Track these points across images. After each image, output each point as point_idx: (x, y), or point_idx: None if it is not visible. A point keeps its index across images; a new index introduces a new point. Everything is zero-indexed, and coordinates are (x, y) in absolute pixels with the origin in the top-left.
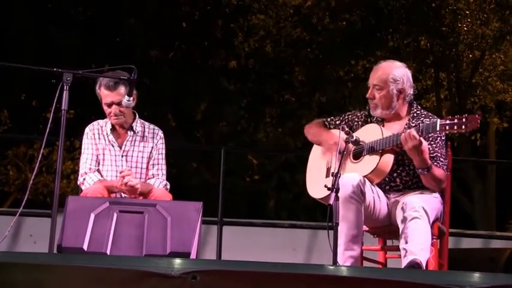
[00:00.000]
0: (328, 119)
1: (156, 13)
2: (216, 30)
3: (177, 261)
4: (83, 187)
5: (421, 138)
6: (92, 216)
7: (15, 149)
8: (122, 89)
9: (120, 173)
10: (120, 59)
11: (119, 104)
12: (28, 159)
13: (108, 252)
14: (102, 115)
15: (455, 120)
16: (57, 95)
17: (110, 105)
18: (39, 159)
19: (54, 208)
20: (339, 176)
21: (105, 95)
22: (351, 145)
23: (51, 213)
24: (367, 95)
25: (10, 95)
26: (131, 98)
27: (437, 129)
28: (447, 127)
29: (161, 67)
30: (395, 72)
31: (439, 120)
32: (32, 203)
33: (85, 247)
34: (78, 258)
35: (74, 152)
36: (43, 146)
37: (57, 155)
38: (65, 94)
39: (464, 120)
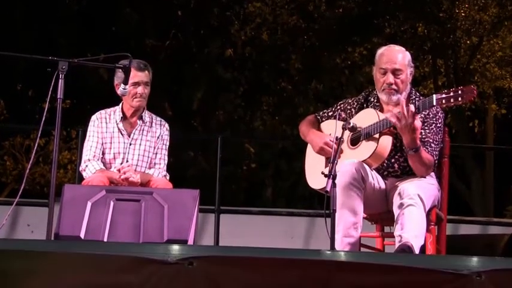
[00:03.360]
0: (321, 113)
1: (151, 2)
2: (211, 18)
3: (174, 248)
4: (84, 174)
5: (416, 119)
6: (89, 204)
7: (11, 139)
8: (150, 73)
9: (119, 170)
10: (115, 48)
11: (146, 84)
12: (25, 150)
13: (105, 240)
14: (98, 105)
15: (451, 93)
16: (52, 83)
17: (137, 84)
18: (35, 149)
19: (51, 197)
20: (336, 163)
21: (134, 74)
22: (348, 132)
23: (48, 202)
24: (389, 81)
25: (6, 85)
26: (127, 86)
27: (434, 103)
28: (443, 101)
29: (157, 56)
30: (408, 56)
31: (435, 95)
32: (29, 193)
33: (82, 235)
34: (74, 245)
35: (70, 142)
36: (39, 136)
37: (54, 144)
38: (61, 83)
39: (460, 92)
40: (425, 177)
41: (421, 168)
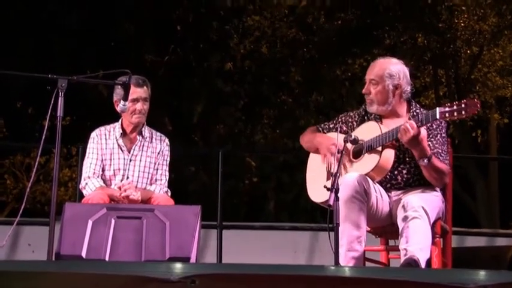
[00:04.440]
0: (322, 125)
1: (150, 17)
2: (211, 32)
3: (176, 266)
4: (84, 191)
5: (421, 129)
6: (90, 223)
7: (12, 157)
8: (148, 88)
9: (120, 187)
10: (114, 64)
11: (145, 100)
12: (25, 168)
13: (106, 259)
14: (98, 121)
15: (455, 107)
16: (52, 101)
17: (135, 101)
18: (35, 167)
19: (52, 216)
20: (338, 176)
21: (133, 91)
22: (349, 144)
23: (49, 221)
24: (363, 90)
25: (5, 103)
26: (126, 103)
27: (437, 117)
28: (447, 114)
29: (157, 71)
30: (392, 68)
31: (438, 108)
32: (30, 212)
33: (83, 254)
34: (75, 265)
35: (71, 160)
36: (39, 154)
37: (54, 162)
38: (60, 100)
39: (463, 105)
40: (435, 190)
41: (436, 177)
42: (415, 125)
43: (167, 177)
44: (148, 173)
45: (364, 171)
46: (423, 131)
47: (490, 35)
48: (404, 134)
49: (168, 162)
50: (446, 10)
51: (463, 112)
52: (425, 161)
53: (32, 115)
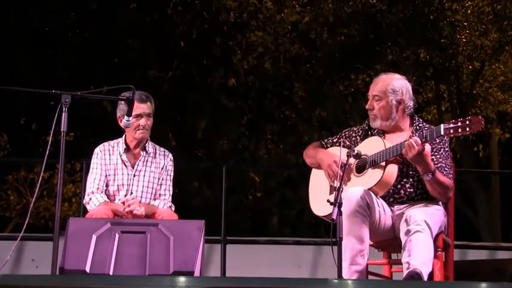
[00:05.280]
0: (325, 140)
1: (153, 33)
2: (214, 48)
3: (180, 280)
4: (88, 207)
5: (425, 145)
6: (94, 237)
7: (15, 173)
8: (152, 104)
9: (124, 203)
10: (118, 80)
11: (148, 115)
12: (29, 184)
13: (110, 273)
14: (102, 137)
15: (459, 123)
16: (56, 117)
17: (139, 116)
18: (39, 182)
19: (56, 231)
20: (342, 190)
21: (136, 106)
22: (352, 159)
23: (52, 236)
24: (367, 106)
25: (9, 119)
26: (130, 118)
27: (442, 133)
28: (451, 130)
29: (160, 86)
30: (395, 83)
31: (442, 125)
32: (34, 227)
33: (87, 269)
34: (79, 279)
35: (75, 175)
36: (43, 169)
37: (58, 177)
38: (64, 116)
39: (467, 122)
40: (438, 204)
41: (440, 192)
42: (419, 141)
43: (171, 192)
44: (152, 188)
45: (367, 186)
46: (427, 147)
47: (492, 51)
48: (409, 150)
49: (172, 177)
50: (449, 26)
51: (467, 129)
52: (429, 175)
53: (35, 131)
